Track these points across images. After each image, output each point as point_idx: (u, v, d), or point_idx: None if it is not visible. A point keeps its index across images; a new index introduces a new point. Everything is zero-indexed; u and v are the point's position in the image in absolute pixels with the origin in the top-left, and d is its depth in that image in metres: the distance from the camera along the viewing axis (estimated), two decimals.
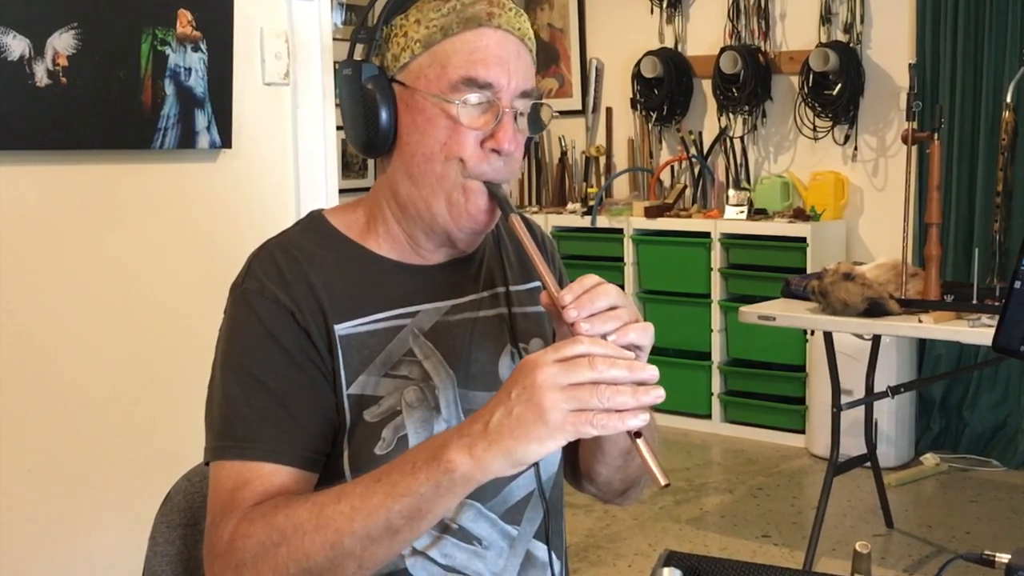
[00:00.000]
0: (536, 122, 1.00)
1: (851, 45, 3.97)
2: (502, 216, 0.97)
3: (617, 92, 4.64)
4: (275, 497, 0.90)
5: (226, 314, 0.99)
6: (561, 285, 0.90)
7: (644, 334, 0.85)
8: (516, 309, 1.06)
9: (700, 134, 4.39)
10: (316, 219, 1.04)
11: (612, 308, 0.84)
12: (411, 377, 0.98)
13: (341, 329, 0.96)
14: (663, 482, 0.79)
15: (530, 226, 1.06)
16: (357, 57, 0.99)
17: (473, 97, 0.94)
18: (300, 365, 0.95)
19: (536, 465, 1.02)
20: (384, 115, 0.96)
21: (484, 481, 0.81)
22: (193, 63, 1.79)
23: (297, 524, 0.85)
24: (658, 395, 0.79)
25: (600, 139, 4.72)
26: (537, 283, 1.08)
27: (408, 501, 0.82)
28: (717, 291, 4.09)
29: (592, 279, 0.86)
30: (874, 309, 2.60)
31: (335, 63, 1.55)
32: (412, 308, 1.00)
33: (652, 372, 0.80)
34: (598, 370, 0.78)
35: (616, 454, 1.01)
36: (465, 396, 0.99)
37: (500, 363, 1.03)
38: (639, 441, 0.81)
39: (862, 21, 3.99)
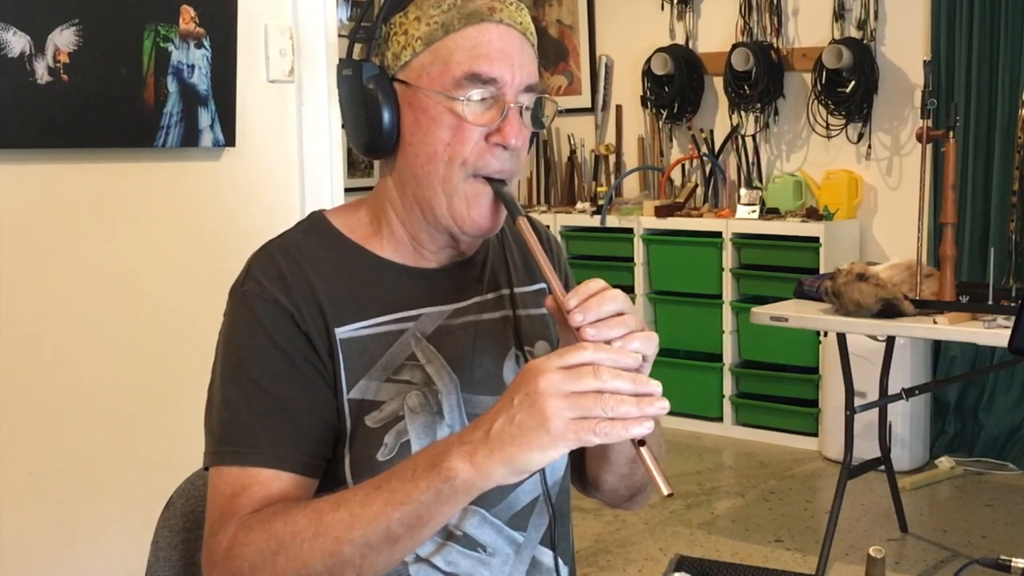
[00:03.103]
0: (540, 117, 0.98)
1: (865, 42, 3.93)
2: (509, 217, 0.96)
3: (627, 89, 4.61)
4: (274, 503, 0.89)
5: (226, 316, 0.98)
6: (566, 287, 0.89)
7: (649, 343, 0.83)
8: (521, 311, 1.05)
9: (711, 132, 4.36)
10: (317, 220, 1.03)
11: (618, 314, 0.83)
12: (413, 381, 0.96)
13: (342, 332, 0.95)
14: (666, 491, 0.78)
15: (536, 228, 1.05)
16: (356, 56, 0.98)
17: (477, 93, 0.93)
18: (300, 369, 0.93)
19: (542, 471, 1.00)
20: (386, 115, 0.95)
21: (485, 489, 0.80)
22: (196, 60, 1.77)
23: (296, 531, 0.84)
24: (663, 407, 0.78)
25: (610, 137, 4.69)
26: (543, 285, 1.07)
27: (408, 509, 0.81)
28: (728, 292, 4.06)
29: (598, 283, 0.84)
30: (888, 310, 2.58)
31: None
32: (414, 312, 0.99)
33: (656, 386, 0.79)
34: (602, 379, 0.77)
35: (622, 462, 1.00)
36: (469, 400, 0.98)
37: (504, 367, 1.02)
38: (643, 449, 0.79)
39: (876, 17, 3.95)
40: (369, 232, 1.01)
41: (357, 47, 0.98)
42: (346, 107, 0.98)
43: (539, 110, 0.98)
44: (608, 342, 0.81)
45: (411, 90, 0.94)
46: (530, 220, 0.99)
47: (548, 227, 1.15)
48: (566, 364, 0.78)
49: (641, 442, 0.79)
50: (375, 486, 0.83)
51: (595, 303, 0.82)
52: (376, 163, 1.03)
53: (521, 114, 0.95)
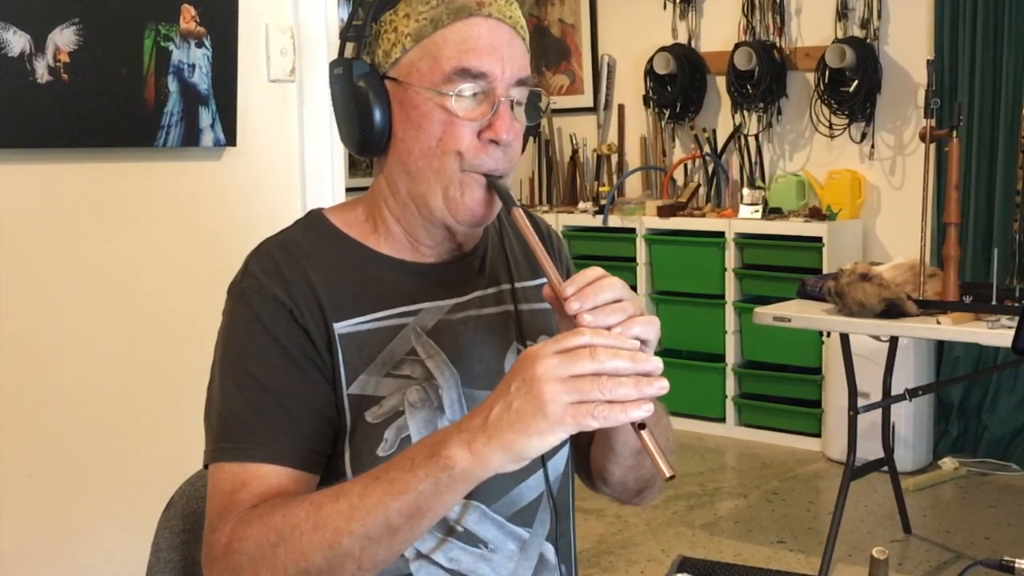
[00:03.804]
0: (533, 111, 0.98)
1: (868, 41, 3.93)
2: (504, 210, 0.96)
3: (629, 89, 4.60)
4: (273, 498, 0.89)
5: (224, 314, 0.98)
6: None
7: (649, 327, 0.83)
8: (523, 306, 1.04)
9: (714, 132, 4.35)
10: (316, 218, 1.03)
11: (616, 301, 0.82)
12: (413, 376, 0.96)
13: (340, 328, 0.95)
14: (668, 473, 0.78)
15: (534, 220, 1.04)
16: (348, 55, 0.97)
17: (467, 88, 0.93)
18: (299, 364, 0.93)
19: (544, 467, 1.00)
20: (378, 113, 0.95)
21: (485, 477, 0.79)
22: (197, 59, 1.76)
23: (295, 524, 0.84)
24: (662, 386, 0.77)
25: (612, 137, 4.68)
26: (545, 279, 1.06)
27: (407, 499, 0.80)
28: (731, 292, 4.05)
29: (596, 271, 0.84)
30: (891, 310, 2.57)
31: None
32: (414, 307, 0.98)
33: (656, 363, 0.78)
34: (600, 361, 0.76)
35: (627, 454, 0.99)
36: (470, 395, 0.98)
37: (506, 361, 1.01)
38: (643, 432, 0.79)
39: (879, 16, 3.94)
40: (366, 230, 1.01)
41: (348, 46, 0.97)
42: (338, 106, 0.98)
43: (532, 104, 0.97)
44: (608, 329, 0.80)
45: (402, 87, 0.94)
46: (529, 215, 0.98)
47: (550, 226, 1.14)
48: (563, 348, 0.78)
49: (642, 425, 0.79)
50: (374, 477, 0.83)
51: (592, 291, 0.82)
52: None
53: (513, 108, 0.94)
